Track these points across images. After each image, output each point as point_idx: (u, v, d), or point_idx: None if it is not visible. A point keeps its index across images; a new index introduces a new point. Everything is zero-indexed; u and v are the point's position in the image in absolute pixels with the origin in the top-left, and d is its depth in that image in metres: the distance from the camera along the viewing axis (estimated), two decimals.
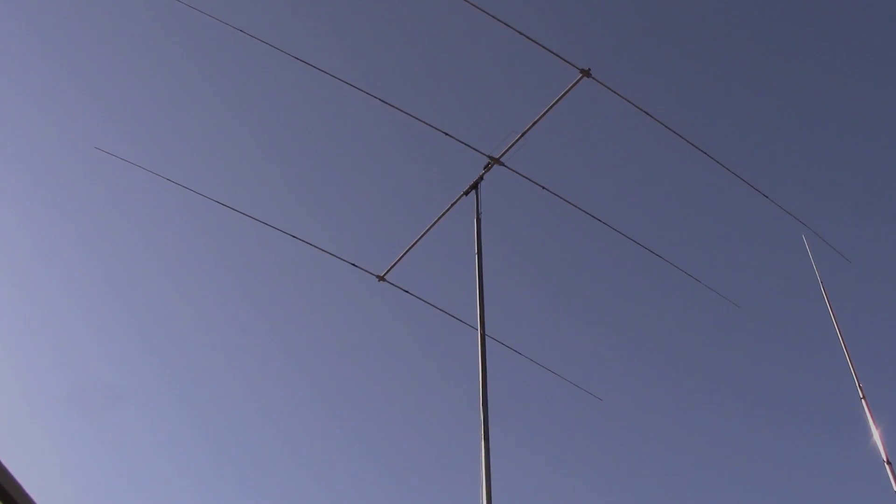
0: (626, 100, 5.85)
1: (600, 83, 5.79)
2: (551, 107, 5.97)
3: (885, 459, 5.17)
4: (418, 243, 6.35)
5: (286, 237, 6.18)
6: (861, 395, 5.59)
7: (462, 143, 6.08)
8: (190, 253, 13.77)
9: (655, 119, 5.90)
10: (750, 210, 13.10)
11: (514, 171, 6.14)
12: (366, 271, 6.34)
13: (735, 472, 12.63)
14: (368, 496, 12.96)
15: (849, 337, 5.95)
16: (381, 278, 6.37)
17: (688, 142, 6.02)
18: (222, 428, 13.47)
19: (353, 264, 6.29)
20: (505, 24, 5.55)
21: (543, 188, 6.18)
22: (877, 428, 5.32)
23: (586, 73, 5.74)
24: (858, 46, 13.43)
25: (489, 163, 6.14)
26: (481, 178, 6.15)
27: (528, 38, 5.60)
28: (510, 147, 6.07)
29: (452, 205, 6.25)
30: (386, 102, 5.96)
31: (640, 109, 5.87)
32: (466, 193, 6.17)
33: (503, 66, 12.83)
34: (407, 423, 13.43)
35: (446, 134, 6.06)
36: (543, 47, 5.63)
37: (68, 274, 13.70)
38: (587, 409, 13.26)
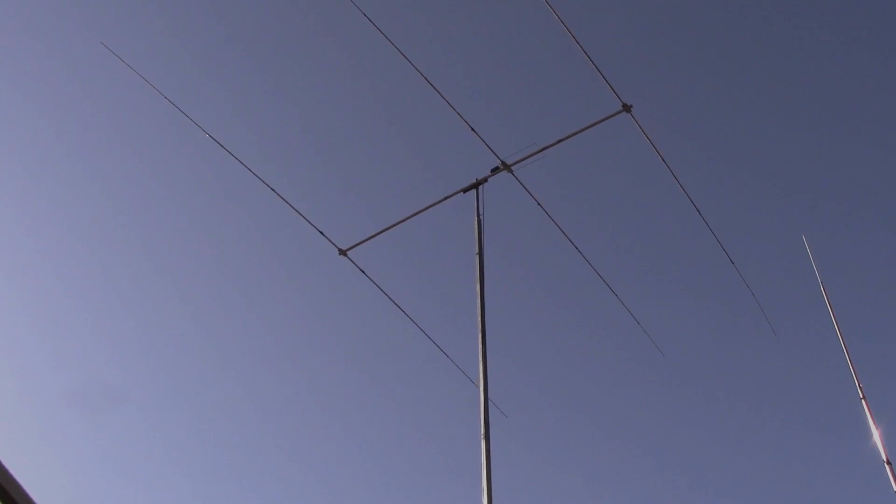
0: (653, 146, 5.80)
1: (637, 123, 5.72)
2: (580, 131, 5.91)
3: (885, 459, 5.17)
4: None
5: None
6: (861, 395, 5.60)
7: (481, 139, 6.01)
8: (186, 243, 13.77)
9: (673, 174, 5.89)
10: (749, 212, 13.11)
11: (518, 180, 6.10)
12: (331, 241, 6.31)
13: (735, 472, 12.64)
14: (369, 496, 12.97)
15: (849, 337, 5.95)
16: (343, 252, 6.32)
17: (694, 204, 6.03)
18: (222, 427, 13.47)
19: (321, 232, 6.25)
20: (569, 30, 5.45)
21: (539, 204, 6.15)
22: (877, 428, 5.32)
23: (627, 108, 5.67)
24: (859, 47, 13.44)
25: (498, 167, 6.08)
26: (485, 179, 6.11)
27: (587, 55, 5.52)
28: (525, 158, 6.00)
29: (446, 199, 6.20)
30: (424, 76, 5.88)
31: (663, 160, 5.84)
32: (465, 191, 6.13)
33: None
34: (408, 424, 13.44)
35: (471, 128, 6.00)
36: (598, 70, 5.56)
37: (68, 273, 13.71)
38: (588, 409, 13.26)
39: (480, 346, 5.31)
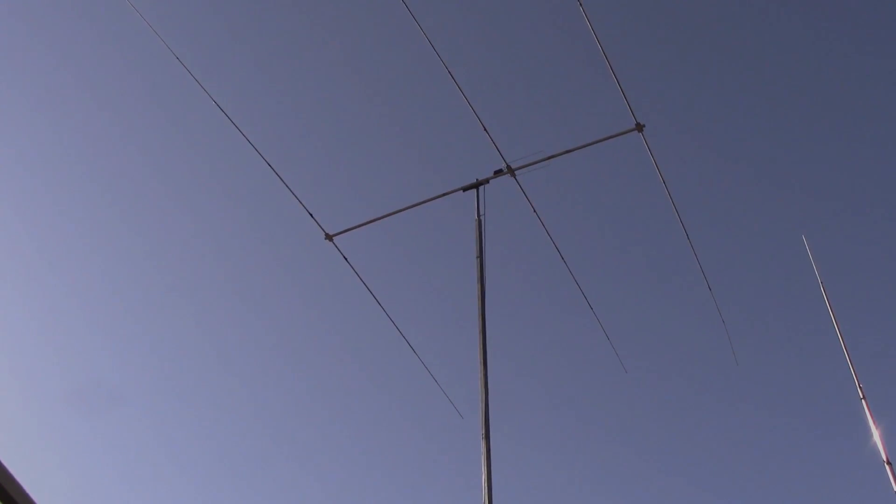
0: (658, 171, 5.81)
1: (646, 143, 5.72)
2: (590, 144, 5.91)
3: (885, 459, 5.17)
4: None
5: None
6: (861, 395, 5.60)
7: (491, 139, 5.98)
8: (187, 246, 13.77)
9: (672, 201, 5.91)
10: (750, 211, 13.11)
11: (519, 185, 6.08)
12: (319, 225, 6.26)
13: (735, 472, 12.63)
14: (369, 496, 12.97)
15: (849, 337, 5.96)
16: (329, 237, 6.28)
17: (686, 234, 6.08)
18: (222, 427, 13.48)
19: (310, 213, 6.20)
20: (599, 43, 5.45)
21: (534, 211, 6.14)
22: (877, 428, 5.33)
23: (640, 127, 5.67)
24: (859, 47, 13.44)
25: (501, 169, 6.06)
26: (487, 180, 6.09)
27: (612, 69, 5.51)
28: (530, 164, 5.99)
29: (443, 195, 6.19)
30: (449, 71, 5.84)
31: (665, 186, 5.86)
32: (465, 190, 6.12)
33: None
34: (407, 424, 13.43)
35: (484, 128, 5.98)
36: (619, 86, 5.56)
37: (68, 273, 13.70)
38: (588, 410, 13.26)
39: (480, 346, 5.30)
